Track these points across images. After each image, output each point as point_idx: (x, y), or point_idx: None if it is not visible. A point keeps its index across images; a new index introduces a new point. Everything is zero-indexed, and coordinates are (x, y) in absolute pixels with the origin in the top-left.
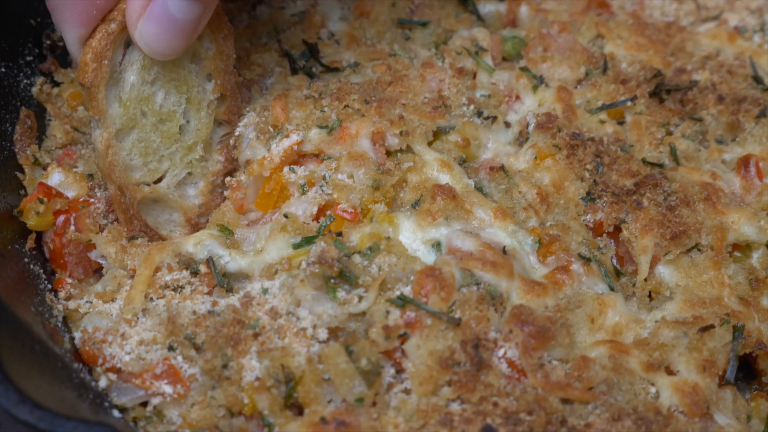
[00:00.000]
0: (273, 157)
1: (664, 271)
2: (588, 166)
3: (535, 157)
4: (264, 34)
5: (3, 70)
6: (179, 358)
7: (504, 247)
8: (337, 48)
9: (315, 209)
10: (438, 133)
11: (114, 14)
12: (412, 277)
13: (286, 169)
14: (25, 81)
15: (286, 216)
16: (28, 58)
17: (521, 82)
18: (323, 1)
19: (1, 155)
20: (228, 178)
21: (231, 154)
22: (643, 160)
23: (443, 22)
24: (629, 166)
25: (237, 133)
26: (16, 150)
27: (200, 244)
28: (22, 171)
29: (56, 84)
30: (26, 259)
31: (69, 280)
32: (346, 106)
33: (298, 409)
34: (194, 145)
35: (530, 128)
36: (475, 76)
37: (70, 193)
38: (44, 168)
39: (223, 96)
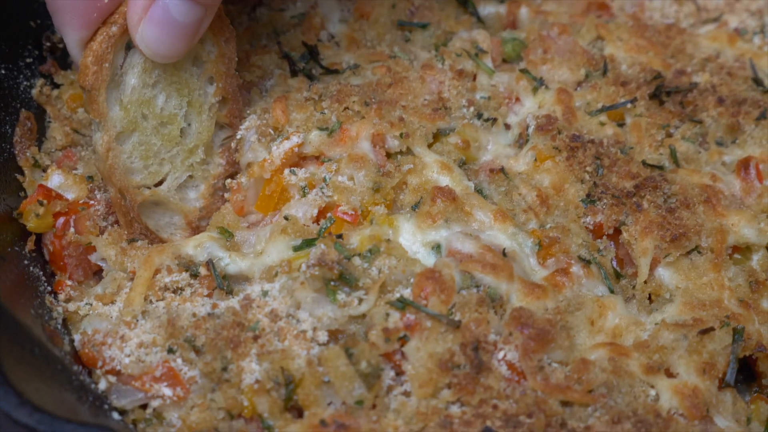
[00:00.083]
0: (274, 159)
1: (664, 273)
2: (588, 168)
3: (535, 159)
4: (264, 36)
5: (3, 72)
6: (179, 360)
7: (504, 249)
8: (336, 50)
9: (315, 211)
10: (438, 135)
11: (115, 17)
12: (412, 280)
13: (286, 171)
14: (24, 83)
15: (286, 218)
16: (28, 60)
17: (521, 84)
18: (323, 3)
19: (1, 157)
20: (228, 180)
21: (232, 157)
22: (643, 162)
23: (443, 23)
24: (629, 168)
25: (238, 136)
26: (16, 152)
27: (200, 247)
28: (22, 173)
29: (56, 86)
30: (26, 261)
31: (69, 282)
32: (346, 108)
33: (298, 412)
34: (195, 148)
35: (530, 130)
36: (475, 78)
37: (70, 195)
38: (44, 170)
39: (225, 99)
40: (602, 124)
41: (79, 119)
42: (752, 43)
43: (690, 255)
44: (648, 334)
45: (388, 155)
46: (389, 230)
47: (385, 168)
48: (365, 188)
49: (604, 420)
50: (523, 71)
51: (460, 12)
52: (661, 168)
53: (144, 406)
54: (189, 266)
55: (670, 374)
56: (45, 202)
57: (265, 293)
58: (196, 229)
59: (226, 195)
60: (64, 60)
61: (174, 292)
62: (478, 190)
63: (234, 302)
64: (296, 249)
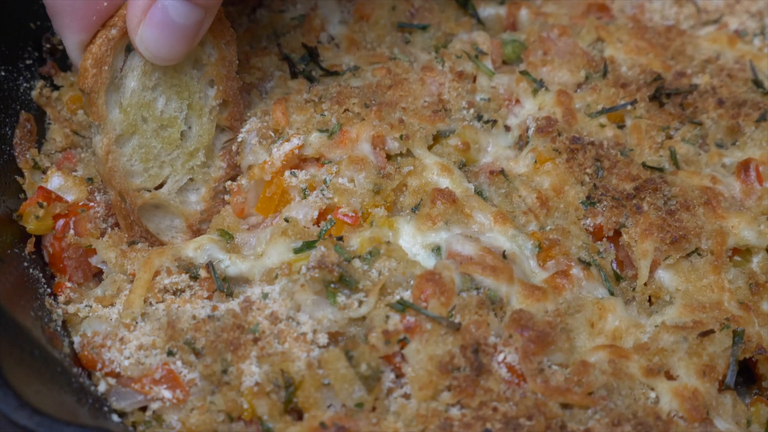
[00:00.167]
0: (274, 161)
1: (664, 275)
2: (588, 170)
3: (535, 161)
4: (264, 38)
5: (3, 73)
6: (178, 363)
7: (504, 251)
8: (336, 51)
9: (316, 213)
10: (438, 137)
11: (115, 20)
12: (412, 282)
13: (287, 173)
14: (24, 84)
15: (286, 220)
16: (28, 62)
17: (521, 85)
18: (323, 5)
19: (1, 159)
20: (228, 183)
21: (233, 160)
22: (643, 164)
23: (443, 25)
24: (629, 170)
25: (239, 139)
26: (16, 154)
27: (200, 249)
28: (22, 175)
29: (56, 87)
30: (25, 264)
31: (68, 284)
32: (346, 110)
33: (298, 414)
34: (196, 151)
35: (530, 132)
36: (475, 79)
37: (70, 197)
38: (44, 172)
39: (226, 102)
40: (602, 125)
41: (79, 121)
42: (752, 44)
43: (690, 257)
44: (648, 337)
45: (388, 157)
46: (389, 232)
47: (385, 170)
48: (365, 190)
49: (604, 422)
50: (523, 73)
51: (460, 14)
52: (661, 170)
53: (144, 409)
54: (189, 268)
55: (670, 376)
56: (45, 204)
57: (265, 295)
58: (197, 232)
59: (227, 198)
60: (63, 62)
61: (174, 294)
62: (478, 192)
63: (234, 304)
64: (297, 251)
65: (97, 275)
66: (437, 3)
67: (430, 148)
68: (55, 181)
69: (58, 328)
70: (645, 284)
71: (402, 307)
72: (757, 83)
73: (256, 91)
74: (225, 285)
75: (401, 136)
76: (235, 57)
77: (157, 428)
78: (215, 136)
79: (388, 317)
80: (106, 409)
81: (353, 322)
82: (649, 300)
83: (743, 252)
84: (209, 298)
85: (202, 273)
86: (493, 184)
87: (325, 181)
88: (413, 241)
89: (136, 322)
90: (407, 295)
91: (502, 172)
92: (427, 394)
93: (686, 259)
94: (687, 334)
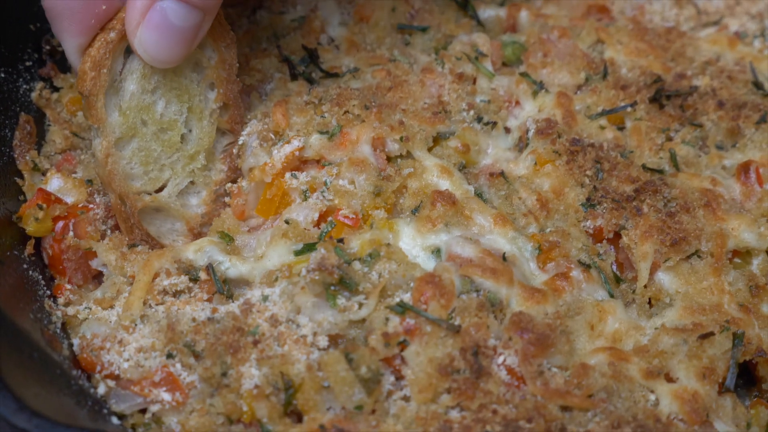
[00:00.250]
0: (275, 163)
1: (663, 277)
2: (588, 172)
3: (535, 163)
4: (263, 40)
5: (2, 75)
6: (178, 365)
7: (504, 253)
8: (336, 53)
9: (316, 215)
10: (438, 139)
11: (113, 23)
12: (411, 284)
13: (288, 174)
14: (24, 86)
15: (287, 222)
16: (28, 63)
17: (521, 87)
18: (323, 6)
19: (1, 161)
20: (229, 185)
21: (234, 163)
22: (643, 166)
23: (443, 27)
24: (629, 172)
25: (240, 142)
26: (16, 155)
27: (200, 251)
28: (22, 177)
29: (55, 89)
30: (25, 265)
31: (68, 286)
32: (346, 111)
33: (297, 417)
34: (196, 154)
35: (530, 134)
36: (475, 81)
37: (69, 199)
38: (43, 174)
39: (226, 105)
40: (602, 127)
41: (78, 122)
42: (752, 46)
43: (690, 259)
44: (648, 339)
45: (388, 159)
46: (389, 234)
47: (385, 172)
48: (366, 192)
49: (604, 425)
50: (523, 75)
51: (460, 15)
52: (661, 172)
53: (143, 411)
54: (189, 270)
55: (669, 379)
56: (44, 205)
57: (265, 298)
58: (198, 236)
59: (227, 200)
60: (63, 63)
61: (174, 295)
62: (478, 194)
63: (234, 307)
64: (297, 253)
65: (97, 277)
66: (437, 5)
67: (430, 149)
68: (54, 183)
69: (58, 330)
70: (645, 286)
71: (402, 309)
72: (758, 85)
73: (255, 92)
74: (225, 287)
75: (401, 138)
76: (236, 60)
77: (156, 431)
78: (216, 139)
79: (387, 319)
80: (105, 411)
81: (353, 325)
82: (649, 302)
83: (743, 254)
84: (209, 300)
85: (202, 275)
86: (493, 186)
87: (325, 183)
88: (413, 243)
89: (135, 324)
90: (407, 297)
91: (502, 174)
92: (426, 396)
93: (686, 261)
94: (687, 337)
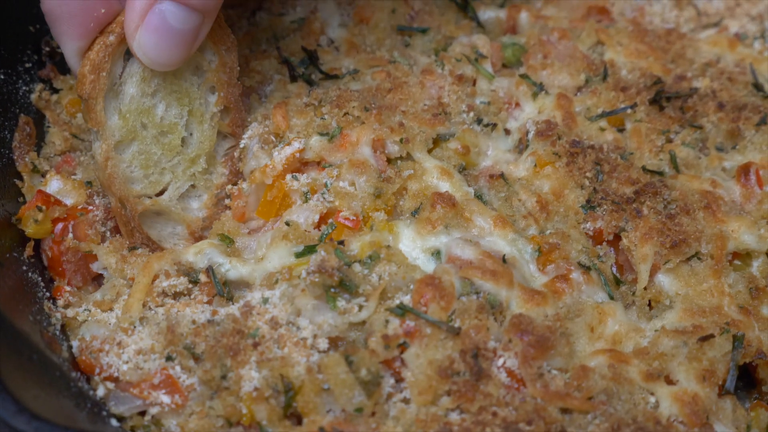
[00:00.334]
0: (275, 165)
1: (663, 279)
2: (588, 174)
3: (535, 165)
4: (263, 41)
5: (2, 77)
6: (177, 367)
7: (504, 255)
8: (336, 55)
9: (317, 217)
10: (438, 141)
11: (113, 26)
12: (411, 286)
13: (288, 176)
14: (24, 88)
15: (287, 224)
16: (27, 65)
17: (521, 89)
18: (323, 8)
19: (0, 162)
20: (229, 187)
21: (236, 166)
22: (643, 168)
23: (443, 28)
24: (629, 174)
25: (242, 146)
26: (15, 157)
27: (200, 253)
28: (21, 178)
29: (55, 91)
30: (24, 267)
31: (67, 288)
32: (346, 113)
33: (297, 419)
34: (197, 157)
35: (530, 136)
36: (474, 83)
37: (69, 201)
38: (43, 175)
39: (227, 108)
40: (602, 129)
41: (78, 124)
42: (752, 48)
43: (690, 261)
44: (648, 341)
45: (389, 161)
46: (389, 236)
47: (385, 173)
48: (366, 194)
49: (604, 427)
50: (523, 76)
51: (460, 17)
52: (661, 174)
53: (142, 413)
54: (189, 273)
55: (669, 381)
56: (44, 207)
57: (265, 300)
58: (199, 239)
59: (228, 202)
60: (63, 65)
61: (173, 297)
62: (478, 196)
63: (234, 309)
64: (297, 255)
65: (96, 279)
66: (437, 6)
67: (429, 151)
68: (54, 185)
69: (57, 333)
70: (645, 288)
71: (402, 311)
72: (758, 86)
73: (255, 94)
74: (225, 289)
75: (401, 140)
76: (236, 63)
77: None
78: (217, 143)
79: (387, 322)
80: (104, 413)
81: (353, 327)
82: (649, 304)
83: (743, 256)
84: (209, 302)
85: (202, 277)
86: (492, 187)
87: (326, 185)
88: (413, 245)
89: (135, 327)
90: (407, 299)
91: (501, 175)
92: (426, 398)
93: (686, 263)
94: (687, 339)
